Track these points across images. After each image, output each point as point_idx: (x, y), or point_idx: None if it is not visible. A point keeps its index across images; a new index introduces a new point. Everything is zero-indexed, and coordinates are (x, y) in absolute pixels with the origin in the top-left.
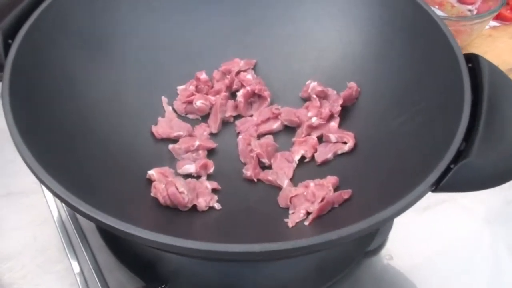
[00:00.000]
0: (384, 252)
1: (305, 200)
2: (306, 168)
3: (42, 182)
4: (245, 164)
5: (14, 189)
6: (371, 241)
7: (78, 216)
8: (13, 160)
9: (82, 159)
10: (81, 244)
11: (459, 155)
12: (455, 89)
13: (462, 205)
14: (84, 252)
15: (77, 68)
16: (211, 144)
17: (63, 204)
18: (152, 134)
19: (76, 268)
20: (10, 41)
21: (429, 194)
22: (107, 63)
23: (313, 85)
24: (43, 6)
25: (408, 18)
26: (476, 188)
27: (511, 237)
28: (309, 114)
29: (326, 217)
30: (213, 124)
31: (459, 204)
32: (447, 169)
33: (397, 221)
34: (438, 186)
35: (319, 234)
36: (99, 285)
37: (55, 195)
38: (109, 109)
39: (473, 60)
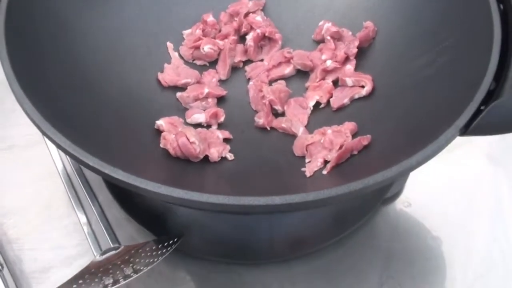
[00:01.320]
0: (402, 198)
1: (322, 148)
2: (322, 114)
3: (46, 135)
4: (256, 111)
5: (17, 142)
6: (389, 188)
7: (84, 169)
8: (14, 110)
9: (86, 110)
10: (88, 199)
11: (490, 96)
12: (483, 25)
13: (480, 149)
14: (92, 206)
15: (75, 14)
16: (221, 92)
17: (69, 158)
18: (159, 82)
19: (84, 223)
20: None
21: None
22: (107, 8)
23: (327, 26)
24: None
25: None
26: (509, 130)
27: None
28: (323, 57)
29: (345, 165)
30: (222, 70)
31: (478, 148)
32: (478, 111)
33: None
34: (468, 130)
35: (341, 185)
36: (108, 239)
37: (61, 148)
38: (111, 57)
39: None
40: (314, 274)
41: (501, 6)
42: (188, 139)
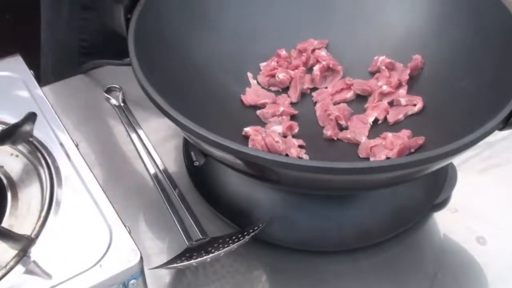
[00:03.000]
0: (449, 206)
1: (384, 148)
2: (380, 129)
3: (168, 116)
4: (324, 127)
5: (116, 158)
6: (438, 194)
7: (174, 175)
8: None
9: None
10: (179, 200)
11: None
12: None
13: None
14: (183, 206)
15: (185, 37)
16: (293, 111)
17: (185, 131)
18: (241, 101)
19: (177, 220)
20: (129, 15)
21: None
22: (209, 45)
23: (381, 58)
24: None
25: None
26: None
27: None
28: (379, 83)
29: None
30: (293, 94)
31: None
32: None
33: (460, 179)
34: (508, 123)
35: None
36: (198, 232)
37: (179, 125)
38: (208, 81)
39: None
40: (379, 265)
41: None
42: (273, 139)
